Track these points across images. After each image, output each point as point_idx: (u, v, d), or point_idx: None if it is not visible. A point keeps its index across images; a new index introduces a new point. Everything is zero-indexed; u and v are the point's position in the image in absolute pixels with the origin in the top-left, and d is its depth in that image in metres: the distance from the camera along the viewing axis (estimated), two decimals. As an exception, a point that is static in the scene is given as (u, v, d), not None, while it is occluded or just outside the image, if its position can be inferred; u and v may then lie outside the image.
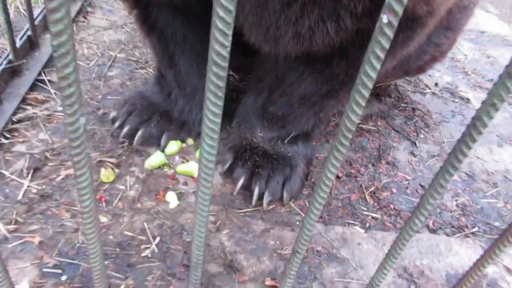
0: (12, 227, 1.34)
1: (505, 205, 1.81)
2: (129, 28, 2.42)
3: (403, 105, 2.31)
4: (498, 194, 1.86)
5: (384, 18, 0.53)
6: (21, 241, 1.31)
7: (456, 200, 1.80)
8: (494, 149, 2.12)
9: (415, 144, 2.05)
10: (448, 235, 1.63)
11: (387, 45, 0.56)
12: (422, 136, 2.12)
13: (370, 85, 0.60)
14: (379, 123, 2.14)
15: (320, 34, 1.08)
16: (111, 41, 2.29)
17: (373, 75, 0.59)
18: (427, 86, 2.53)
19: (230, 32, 0.51)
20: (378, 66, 0.58)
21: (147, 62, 2.19)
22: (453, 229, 1.67)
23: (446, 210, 1.74)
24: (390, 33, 0.54)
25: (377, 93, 2.33)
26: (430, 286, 1.42)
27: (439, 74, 2.67)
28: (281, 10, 1.05)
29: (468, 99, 2.50)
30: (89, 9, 2.51)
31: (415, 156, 1.99)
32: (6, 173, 1.50)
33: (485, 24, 3.50)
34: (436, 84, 2.57)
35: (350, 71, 1.29)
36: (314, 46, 1.14)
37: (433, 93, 2.49)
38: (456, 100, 2.47)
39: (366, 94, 0.61)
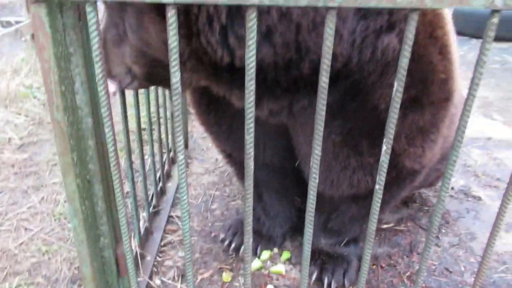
0: (176, 314, 2.16)
1: (512, 278, 2.43)
2: (218, 172, 3.42)
3: (426, 208, 3.05)
4: (507, 270, 2.48)
5: (377, 187, 1.38)
6: (184, 322, 2.11)
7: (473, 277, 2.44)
8: (503, 235, 2.77)
9: (438, 237, 2.75)
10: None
11: (379, 204, 1.41)
12: (443, 231, 2.82)
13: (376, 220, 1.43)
14: (409, 224, 2.88)
15: (363, 183, 1.86)
16: (208, 183, 3.28)
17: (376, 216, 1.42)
18: (445, 190, 3.27)
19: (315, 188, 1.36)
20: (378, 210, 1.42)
21: (235, 196, 3.12)
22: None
23: None
24: (380, 196, 1.39)
25: (405, 201, 3.10)
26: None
27: (454, 179, 3.42)
28: (340, 171, 1.86)
29: (479, 197, 3.20)
30: (188, 160, 3.58)
31: (439, 246, 2.68)
32: (165, 279, 2.36)
33: (491, 131, 4.29)
34: (452, 188, 3.31)
35: (385, 199, 2.07)
36: (360, 190, 1.91)
37: (451, 196, 3.22)
38: (469, 199, 3.18)
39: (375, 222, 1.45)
